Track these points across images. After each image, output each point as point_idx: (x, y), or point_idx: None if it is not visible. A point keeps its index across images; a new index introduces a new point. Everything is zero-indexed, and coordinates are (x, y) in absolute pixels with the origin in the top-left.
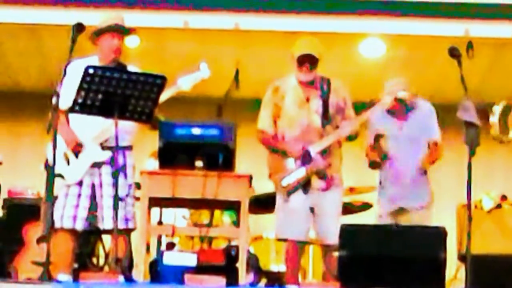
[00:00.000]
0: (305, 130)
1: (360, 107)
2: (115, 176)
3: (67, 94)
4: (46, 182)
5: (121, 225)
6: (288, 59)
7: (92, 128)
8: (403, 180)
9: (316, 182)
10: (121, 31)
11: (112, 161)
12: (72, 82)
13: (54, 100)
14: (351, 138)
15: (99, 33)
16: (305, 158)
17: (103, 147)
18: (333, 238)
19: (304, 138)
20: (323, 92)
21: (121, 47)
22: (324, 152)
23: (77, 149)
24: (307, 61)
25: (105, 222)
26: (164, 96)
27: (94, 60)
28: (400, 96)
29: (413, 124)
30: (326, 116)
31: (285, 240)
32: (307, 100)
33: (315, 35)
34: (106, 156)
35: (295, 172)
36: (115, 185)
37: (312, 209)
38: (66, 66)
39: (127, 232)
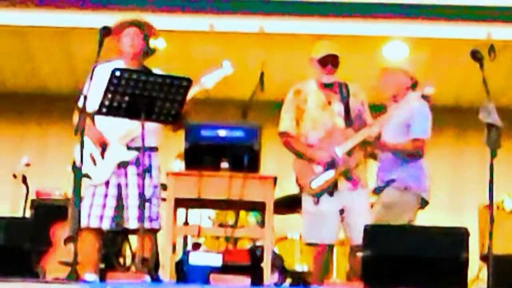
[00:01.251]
0: (329, 132)
1: (379, 109)
2: (142, 175)
3: (94, 97)
4: (74, 183)
5: (146, 225)
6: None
7: (118, 129)
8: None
9: (343, 184)
10: (140, 26)
11: (138, 162)
12: (98, 85)
13: (81, 102)
14: (371, 142)
15: (119, 30)
16: (332, 165)
17: (129, 148)
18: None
19: (330, 139)
20: (343, 96)
21: (141, 44)
22: (350, 153)
23: (103, 143)
24: (330, 62)
25: (130, 222)
26: (188, 95)
27: (120, 64)
28: (426, 92)
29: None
30: (348, 118)
31: (315, 244)
32: (329, 103)
33: (339, 38)
34: (131, 156)
35: (324, 174)
36: (141, 185)
37: (341, 211)
38: (93, 69)
39: (152, 232)
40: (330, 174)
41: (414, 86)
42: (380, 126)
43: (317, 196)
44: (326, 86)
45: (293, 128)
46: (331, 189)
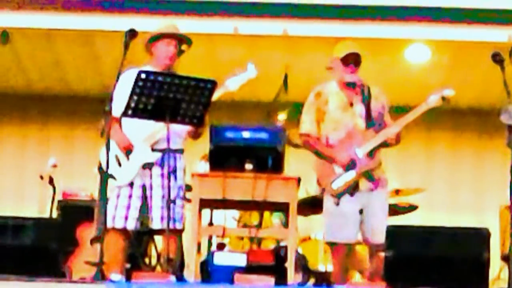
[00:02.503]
0: (350, 133)
1: (401, 111)
2: (167, 177)
3: (120, 102)
4: (100, 184)
5: (170, 226)
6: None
7: (143, 131)
8: None
9: (364, 184)
10: (178, 38)
11: (162, 163)
12: (125, 91)
13: (107, 105)
14: (390, 144)
15: (156, 39)
16: (352, 166)
17: (153, 149)
18: (381, 238)
19: (350, 140)
20: (364, 97)
21: (176, 55)
22: (371, 153)
23: (128, 148)
24: (352, 60)
25: (154, 222)
26: (213, 97)
27: (147, 69)
28: (446, 94)
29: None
30: (369, 119)
31: (335, 243)
32: (351, 104)
33: (361, 41)
34: (155, 157)
35: (345, 175)
36: (167, 186)
37: (361, 211)
38: (119, 73)
39: (176, 232)
40: (351, 174)
41: None
42: (400, 127)
43: (338, 196)
44: (348, 86)
45: (314, 129)
46: (352, 189)
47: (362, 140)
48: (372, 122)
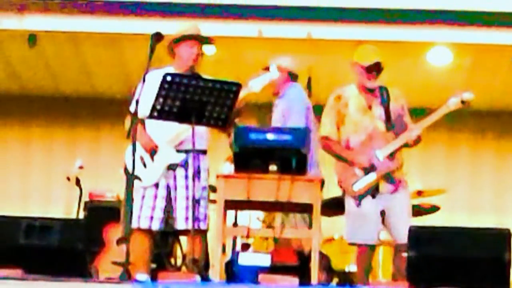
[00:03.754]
0: (370, 135)
1: (421, 113)
2: (192, 178)
3: (145, 102)
4: (126, 185)
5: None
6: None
7: (167, 132)
8: None
9: (385, 186)
10: (201, 39)
11: (186, 164)
12: (150, 91)
13: (133, 107)
14: (414, 144)
15: (179, 41)
16: (372, 168)
17: (178, 150)
18: (404, 238)
19: (371, 143)
20: (383, 100)
21: (199, 56)
22: (391, 155)
23: (152, 149)
24: (376, 69)
25: (179, 223)
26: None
27: (170, 70)
28: (465, 98)
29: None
30: (389, 122)
31: (356, 244)
32: (369, 107)
33: (384, 44)
34: (180, 159)
35: (366, 177)
36: (191, 187)
37: (382, 212)
38: (144, 75)
39: (200, 233)
40: (372, 177)
41: (293, 79)
42: (420, 129)
43: (359, 198)
44: (368, 90)
45: (334, 132)
46: (373, 191)
47: (382, 143)
48: (392, 124)
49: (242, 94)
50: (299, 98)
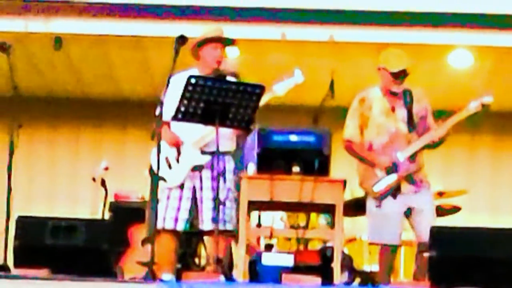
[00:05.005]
0: (393, 137)
1: (443, 114)
2: (217, 179)
3: (170, 105)
4: (151, 186)
5: (220, 227)
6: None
7: (192, 134)
8: None
9: (406, 187)
10: (224, 41)
11: (212, 165)
12: (174, 94)
13: (158, 109)
14: (436, 144)
15: (203, 43)
16: (392, 169)
17: (203, 152)
18: (425, 238)
19: (392, 144)
20: (406, 102)
21: (222, 58)
22: (412, 157)
23: (178, 145)
24: (402, 74)
25: (205, 223)
26: (261, 102)
27: (194, 72)
28: (485, 101)
29: None
30: (411, 123)
31: (378, 244)
32: (393, 109)
33: (405, 47)
34: (205, 160)
35: (386, 178)
36: (216, 188)
37: (407, 212)
38: (169, 78)
39: (227, 233)
40: (393, 178)
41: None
42: (441, 132)
43: (380, 199)
44: (392, 93)
45: (357, 135)
46: (394, 192)
47: (404, 144)
48: (414, 126)
49: (266, 97)
50: None
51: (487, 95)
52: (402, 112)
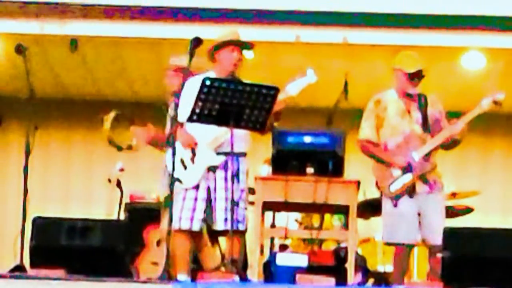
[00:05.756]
0: (407, 138)
1: (456, 116)
2: (231, 180)
3: (184, 106)
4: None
5: (233, 227)
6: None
7: (207, 135)
8: None
9: (421, 187)
10: (241, 45)
11: (226, 166)
12: (190, 96)
13: (173, 111)
14: (450, 145)
15: (220, 46)
16: (408, 168)
17: (217, 153)
18: (439, 239)
19: (407, 145)
20: (421, 105)
21: (240, 61)
22: (427, 156)
23: (192, 146)
24: (418, 76)
25: (218, 224)
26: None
27: (211, 75)
28: (497, 98)
29: None
30: (426, 125)
31: (394, 244)
32: (408, 111)
33: (419, 49)
34: (219, 161)
35: (402, 178)
36: (230, 189)
37: (418, 213)
38: (184, 80)
39: (239, 234)
40: (408, 177)
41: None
42: (455, 130)
43: (395, 198)
44: (407, 95)
45: (373, 135)
46: (410, 191)
47: (418, 145)
48: (428, 127)
49: (280, 98)
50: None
51: (499, 92)
52: (416, 114)
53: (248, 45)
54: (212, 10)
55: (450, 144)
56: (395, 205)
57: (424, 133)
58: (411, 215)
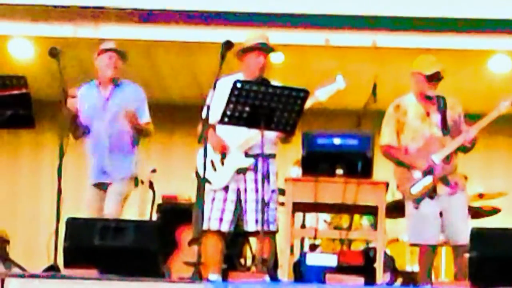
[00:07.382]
0: (427, 141)
1: (475, 118)
2: (261, 181)
3: (216, 108)
4: (197, 188)
5: (264, 228)
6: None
7: (237, 137)
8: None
9: (442, 189)
10: (265, 49)
11: (256, 168)
12: (220, 97)
13: (204, 113)
14: (469, 148)
15: (245, 51)
16: (429, 171)
17: (247, 155)
18: (463, 239)
19: (427, 148)
20: (440, 107)
21: (266, 65)
22: (447, 159)
23: (224, 150)
24: (436, 77)
25: (249, 225)
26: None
27: (240, 77)
28: None
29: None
30: (445, 128)
31: (418, 245)
32: (428, 114)
33: (446, 52)
34: (249, 163)
35: (423, 180)
36: (260, 190)
37: (441, 214)
38: (215, 82)
39: (270, 234)
40: (428, 180)
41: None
42: (474, 132)
43: (417, 201)
44: (426, 98)
45: (394, 140)
46: (431, 193)
47: (438, 148)
48: (448, 129)
49: (309, 103)
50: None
51: None
52: (436, 117)
53: (270, 49)
54: (242, 14)
55: (468, 148)
56: (417, 208)
57: (444, 136)
58: (433, 216)
